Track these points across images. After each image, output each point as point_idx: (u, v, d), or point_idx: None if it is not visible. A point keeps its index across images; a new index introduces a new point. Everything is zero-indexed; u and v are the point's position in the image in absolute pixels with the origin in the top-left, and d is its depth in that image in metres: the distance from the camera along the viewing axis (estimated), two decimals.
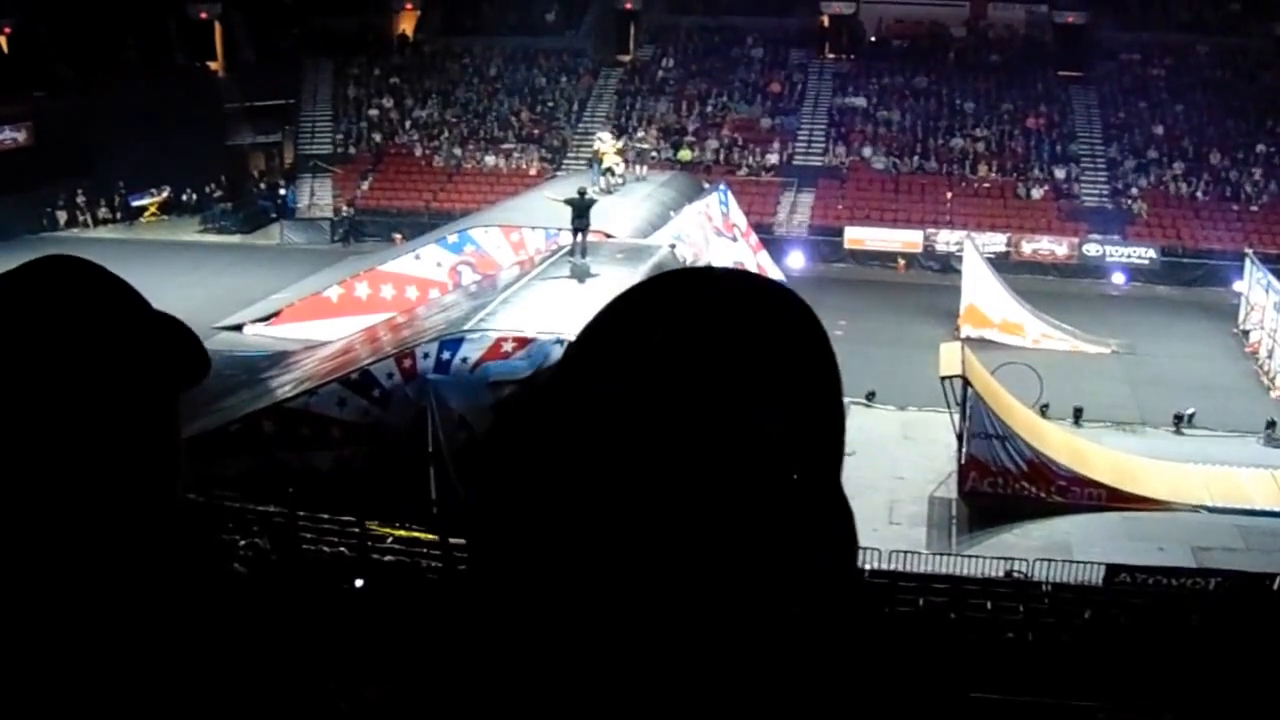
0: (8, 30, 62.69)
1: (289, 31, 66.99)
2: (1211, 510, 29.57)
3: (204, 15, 67.30)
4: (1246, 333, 44.35)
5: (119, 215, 58.99)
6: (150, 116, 56.00)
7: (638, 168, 49.50)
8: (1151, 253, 52.75)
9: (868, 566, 24.28)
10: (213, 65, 67.53)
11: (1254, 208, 54.94)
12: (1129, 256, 52.64)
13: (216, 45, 67.63)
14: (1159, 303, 48.96)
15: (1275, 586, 22.60)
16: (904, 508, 29.80)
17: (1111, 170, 57.70)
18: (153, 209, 59.71)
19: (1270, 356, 40.88)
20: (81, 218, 57.50)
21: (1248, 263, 46.00)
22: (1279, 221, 53.77)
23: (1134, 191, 56.31)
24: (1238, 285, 46.87)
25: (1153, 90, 61.31)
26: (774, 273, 47.29)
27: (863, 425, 34.30)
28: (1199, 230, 53.62)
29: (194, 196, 60.37)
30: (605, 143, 46.40)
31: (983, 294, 43.42)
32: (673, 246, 36.65)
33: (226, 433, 26.06)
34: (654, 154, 56.48)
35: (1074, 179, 57.44)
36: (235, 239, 56.96)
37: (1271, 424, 34.90)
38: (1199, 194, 55.96)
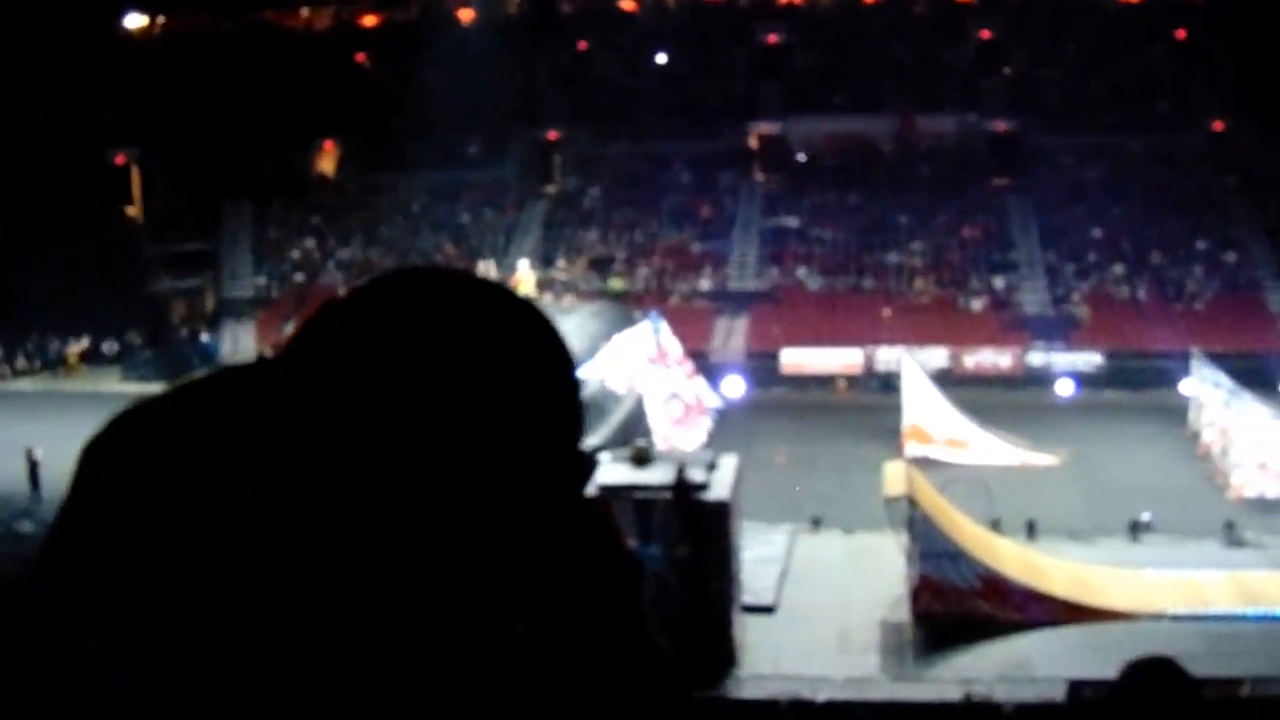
0: None
1: (207, 174, 65.80)
2: (1175, 618, 28.56)
3: (120, 159, 66.48)
4: (1197, 434, 43.50)
5: (38, 365, 57.73)
6: (67, 263, 54.94)
7: (562, 299, 48.68)
8: (1097, 358, 51.99)
9: (819, 698, 23.17)
10: (130, 210, 66.57)
11: (1197, 306, 54.38)
12: (1074, 364, 51.82)
13: (134, 190, 66.70)
14: (1107, 408, 47.96)
15: (1242, 693, 21.56)
16: (855, 634, 28.54)
17: (1051, 277, 57.08)
18: (73, 358, 58.32)
19: (1224, 455, 40.02)
20: None
21: (1194, 362, 45.17)
22: (1223, 319, 52.99)
23: (1075, 297, 55.71)
24: (1185, 386, 45.95)
25: (1089, 193, 60.96)
26: (710, 400, 46.35)
27: (809, 552, 33.40)
28: (1143, 332, 52.68)
29: (115, 345, 59.05)
30: (522, 272, 45.56)
31: (925, 411, 42.42)
32: (602, 379, 35.74)
33: None
34: (578, 283, 55.64)
35: (1014, 288, 56.78)
36: (158, 387, 55.39)
37: (1230, 525, 33.96)
38: (1141, 295, 55.36)
